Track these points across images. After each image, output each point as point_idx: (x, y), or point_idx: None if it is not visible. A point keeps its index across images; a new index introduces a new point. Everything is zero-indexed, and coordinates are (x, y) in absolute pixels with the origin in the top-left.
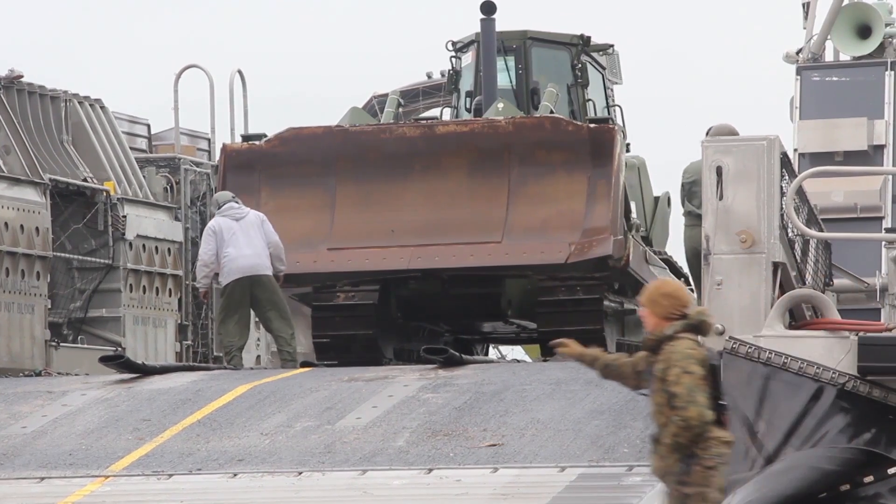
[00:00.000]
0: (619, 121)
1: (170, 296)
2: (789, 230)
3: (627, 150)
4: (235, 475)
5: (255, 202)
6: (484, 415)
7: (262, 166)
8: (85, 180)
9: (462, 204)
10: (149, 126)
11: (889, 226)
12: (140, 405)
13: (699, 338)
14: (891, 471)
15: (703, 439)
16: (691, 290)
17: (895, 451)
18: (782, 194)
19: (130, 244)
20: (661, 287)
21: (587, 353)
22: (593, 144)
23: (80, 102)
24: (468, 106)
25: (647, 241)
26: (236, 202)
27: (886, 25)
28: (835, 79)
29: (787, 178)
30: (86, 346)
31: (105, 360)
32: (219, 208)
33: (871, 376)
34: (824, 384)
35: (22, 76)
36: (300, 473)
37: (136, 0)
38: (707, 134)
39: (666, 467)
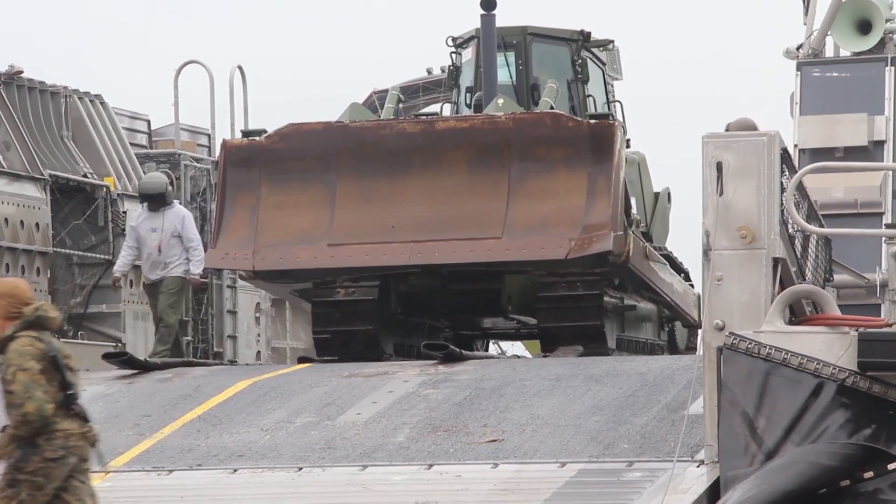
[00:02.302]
0: (619, 116)
1: None
2: (789, 226)
3: (628, 146)
4: (235, 471)
5: (255, 198)
6: (484, 410)
7: (262, 162)
8: (85, 176)
9: (462, 200)
10: (149, 122)
11: (889, 221)
12: (140, 401)
13: (39, 333)
14: (891, 466)
15: (46, 431)
16: (691, 286)
17: (895, 447)
18: (782, 190)
19: None
20: None
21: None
22: (593, 140)
23: (80, 98)
24: (468, 102)
25: (647, 236)
26: None
27: (886, 21)
28: (835, 74)
29: (787, 173)
30: (86, 341)
31: (108, 356)
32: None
33: (871, 372)
34: (824, 380)
35: (22, 72)
36: (300, 469)
37: None
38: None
39: (5, 453)
